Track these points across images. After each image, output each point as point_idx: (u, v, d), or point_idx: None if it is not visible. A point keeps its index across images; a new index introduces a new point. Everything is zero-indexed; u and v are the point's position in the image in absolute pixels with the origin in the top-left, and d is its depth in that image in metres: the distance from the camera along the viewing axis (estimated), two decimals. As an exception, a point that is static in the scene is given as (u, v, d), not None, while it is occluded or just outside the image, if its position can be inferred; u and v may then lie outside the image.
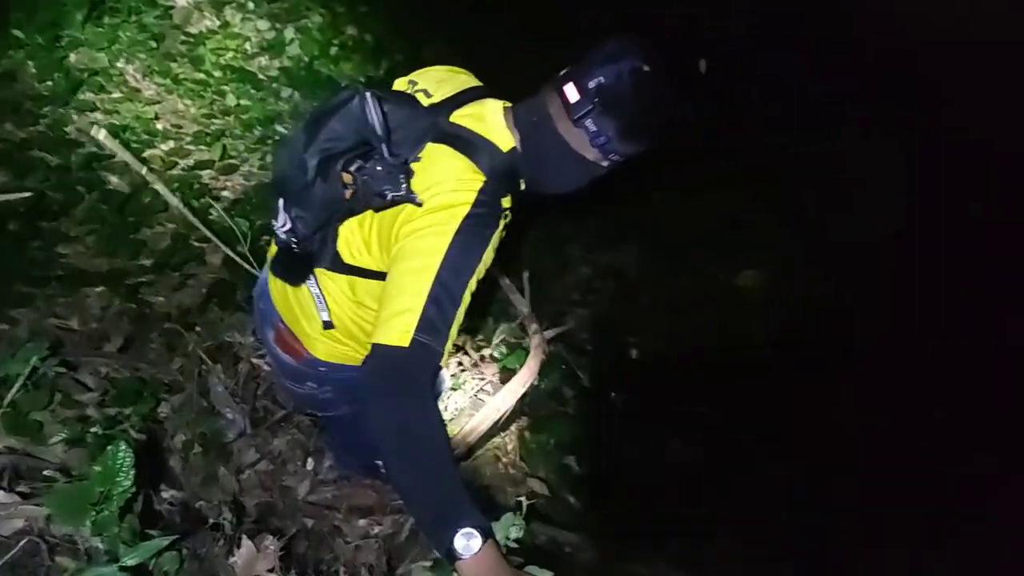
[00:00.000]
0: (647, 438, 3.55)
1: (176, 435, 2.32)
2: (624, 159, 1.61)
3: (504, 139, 1.60)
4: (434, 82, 1.72)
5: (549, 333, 3.52)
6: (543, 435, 3.29)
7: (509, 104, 1.68)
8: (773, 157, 5.47)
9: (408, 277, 1.42)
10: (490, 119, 1.62)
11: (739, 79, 5.83)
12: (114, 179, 3.13)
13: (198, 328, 2.73)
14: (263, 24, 4.37)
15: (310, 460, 2.68)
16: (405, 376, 1.37)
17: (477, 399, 3.22)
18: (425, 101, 1.66)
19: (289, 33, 4.40)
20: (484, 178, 1.51)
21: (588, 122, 1.52)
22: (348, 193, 1.57)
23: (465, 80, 1.76)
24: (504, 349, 3.45)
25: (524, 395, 3.18)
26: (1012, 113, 5.65)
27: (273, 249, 1.85)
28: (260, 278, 2.01)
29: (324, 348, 1.84)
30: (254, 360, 2.72)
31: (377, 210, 1.52)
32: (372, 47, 4.76)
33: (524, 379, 3.14)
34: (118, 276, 2.77)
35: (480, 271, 1.46)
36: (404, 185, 1.45)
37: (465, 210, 1.44)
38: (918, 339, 4.50)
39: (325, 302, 1.75)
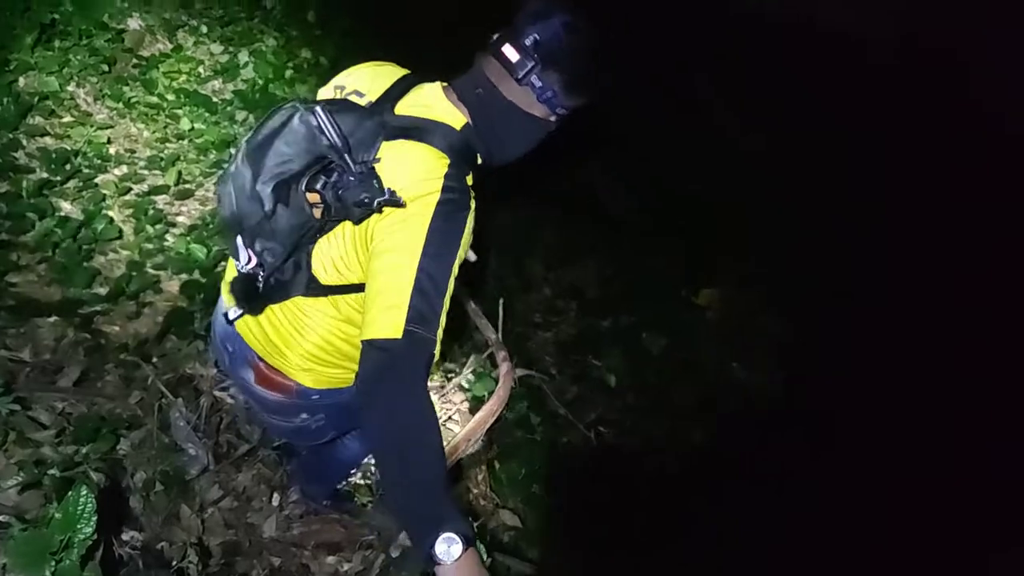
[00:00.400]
0: (620, 464, 3.51)
1: (136, 473, 2.23)
2: (569, 112, 1.61)
3: (454, 117, 1.58)
4: (363, 80, 1.68)
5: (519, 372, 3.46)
6: (512, 464, 3.23)
7: (445, 83, 1.66)
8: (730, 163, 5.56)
9: (390, 272, 1.39)
10: (434, 102, 1.60)
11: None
12: (66, 206, 3.04)
13: (155, 360, 2.63)
14: (216, 47, 4.34)
15: (275, 495, 2.59)
16: (402, 366, 1.34)
17: (446, 428, 3.16)
18: (361, 102, 1.62)
19: (243, 56, 4.36)
20: (448, 161, 1.49)
21: (533, 78, 1.52)
22: (317, 212, 1.51)
23: (393, 71, 1.71)
24: (471, 377, 3.39)
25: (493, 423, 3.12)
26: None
27: (227, 291, 1.73)
28: (218, 321, 1.88)
29: (312, 376, 1.76)
30: (216, 393, 2.63)
31: (359, 221, 1.47)
32: (327, 69, 4.73)
33: (494, 408, 3.08)
34: (71, 305, 2.67)
35: (460, 255, 1.44)
36: (388, 188, 1.41)
37: (436, 198, 1.42)
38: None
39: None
